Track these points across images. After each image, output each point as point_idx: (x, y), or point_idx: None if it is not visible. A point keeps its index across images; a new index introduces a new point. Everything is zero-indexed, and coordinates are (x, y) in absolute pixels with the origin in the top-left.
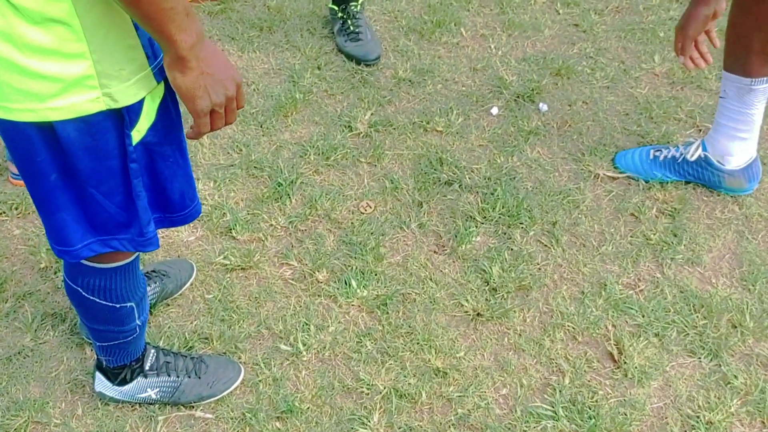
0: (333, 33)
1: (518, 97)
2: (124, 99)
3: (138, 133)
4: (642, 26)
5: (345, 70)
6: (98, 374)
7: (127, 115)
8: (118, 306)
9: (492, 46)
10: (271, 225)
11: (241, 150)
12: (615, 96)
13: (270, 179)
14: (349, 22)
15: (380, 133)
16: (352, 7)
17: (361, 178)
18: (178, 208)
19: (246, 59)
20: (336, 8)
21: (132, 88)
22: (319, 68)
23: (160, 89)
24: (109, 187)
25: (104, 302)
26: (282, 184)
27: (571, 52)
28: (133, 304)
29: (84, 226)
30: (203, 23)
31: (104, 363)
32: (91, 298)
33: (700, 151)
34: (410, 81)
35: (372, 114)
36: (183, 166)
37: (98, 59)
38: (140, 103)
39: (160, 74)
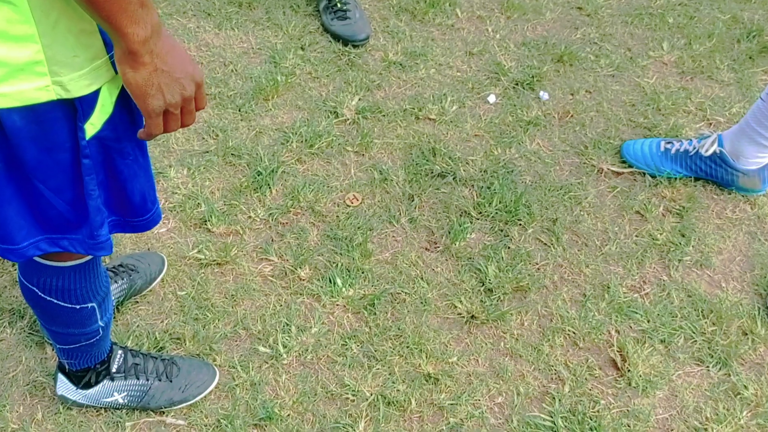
0: (318, 11)
1: (517, 84)
2: (77, 89)
3: (92, 127)
4: (650, 11)
5: (331, 52)
6: (60, 376)
7: (80, 106)
8: (78, 307)
9: (489, 29)
10: (250, 217)
11: (217, 135)
12: (620, 85)
13: (249, 168)
14: None
15: (368, 120)
16: None
17: (348, 168)
18: (139, 211)
19: (223, 37)
20: None
21: (86, 77)
22: (302, 48)
23: (119, 80)
24: (58, 183)
25: (63, 303)
26: (262, 173)
27: (574, 37)
28: (94, 304)
29: (30, 223)
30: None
31: (66, 366)
32: (48, 298)
33: (715, 146)
34: (401, 64)
35: (360, 99)
36: (144, 165)
37: (48, 44)
38: (95, 94)
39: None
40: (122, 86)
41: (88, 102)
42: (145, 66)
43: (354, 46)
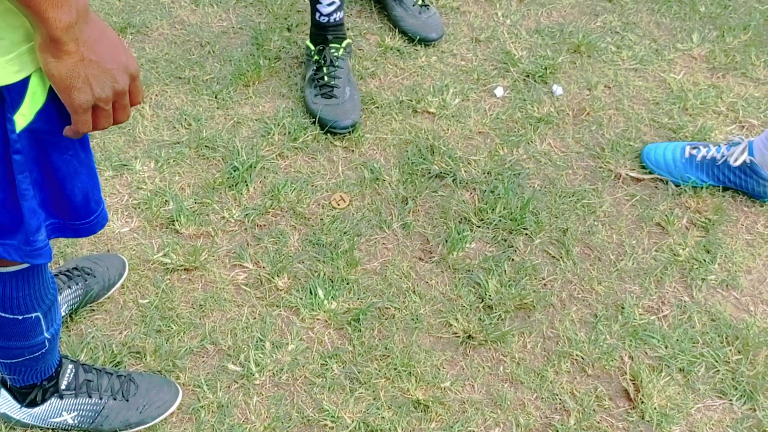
0: (304, 79)
1: (528, 76)
2: (3, 76)
3: (23, 118)
4: None
5: None
6: (2, 392)
7: (8, 95)
8: (21, 318)
9: (499, 14)
10: (223, 218)
11: (190, 125)
12: (644, 80)
13: (224, 162)
14: (325, 70)
15: (360, 111)
16: (332, 51)
17: (335, 165)
18: (81, 213)
19: (200, 14)
20: (312, 47)
21: (13, 63)
22: (288, 30)
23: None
24: None
25: (3, 314)
26: (238, 169)
27: (593, 25)
28: (39, 314)
29: None
30: None
31: (9, 382)
32: None
33: (745, 155)
34: (399, 51)
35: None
36: (86, 161)
37: None
38: (24, 82)
39: None
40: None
41: (17, 90)
42: (70, 55)
43: (333, 134)
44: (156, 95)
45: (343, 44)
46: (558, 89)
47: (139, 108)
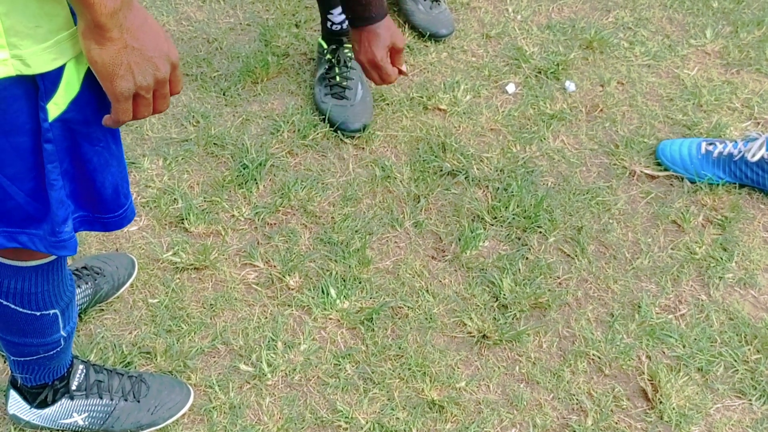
0: (313, 76)
1: (540, 72)
2: (39, 64)
3: (56, 107)
4: None
5: None
6: (12, 393)
7: (43, 84)
8: (38, 314)
9: (510, 9)
10: (233, 216)
11: (198, 122)
12: (657, 77)
13: (233, 159)
14: (337, 70)
15: (371, 114)
16: (346, 51)
17: (345, 163)
18: (111, 206)
19: (207, 11)
20: (325, 46)
21: (50, 51)
22: (297, 26)
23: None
24: (16, 170)
25: (21, 309)
26: (248, 167)
27: (605, 20)
28: (57, 311)
29: None
30: None
31: (20, 381)
32: (5, 303)
33: (763, 151)
34: (409, 47)
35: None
36: (117, 154)
37: (6, 11)
38: (59, 70)
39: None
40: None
41: (52, 79)
42: (114, 42)
43: (343, 135)
44: None
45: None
46: (571, 85)
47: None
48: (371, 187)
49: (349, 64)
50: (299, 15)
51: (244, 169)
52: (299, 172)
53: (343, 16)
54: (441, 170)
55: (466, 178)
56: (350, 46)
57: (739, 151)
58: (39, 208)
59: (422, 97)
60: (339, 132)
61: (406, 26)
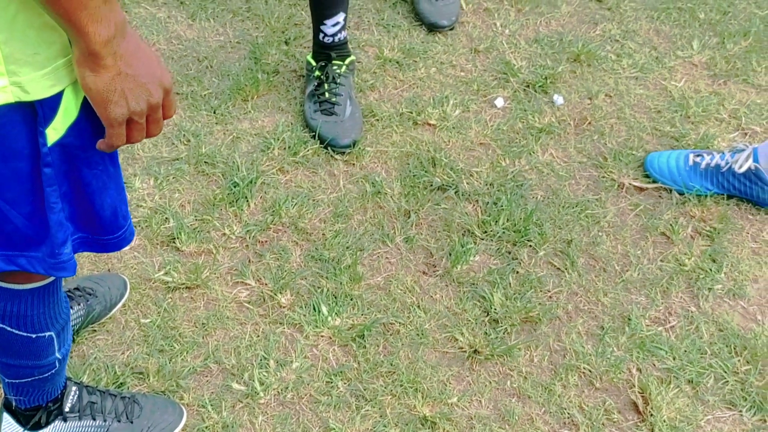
0: (303, 93)
1: (528, 86)
2: (38, 90)
3: (55, 132)
4: (678, 5)
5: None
6: (5, 415)
7: (41, 109)
8: (34, 336)
9: (498, 23)
10: (224, 234)
11: (189, 141)
12: (645, 89)
13: (224, 178)
14: (326, 86)
15: (360, 130)
16: (334, 68)
17: (336, 179)
18: (109, 228)
19: (197, 29)
20: (313, 63)
21: (48, 77)
22: (286, 43)
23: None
24: (15, 194)
25: (17, 331)
26: (238, 185)
27: (592, 33)
28: (52, 333)
29: None
30: None
31: (14, 403)
32: (1, 325)
33: (750, 162)
34: (398, 63)
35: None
36: (115, 176)
37: (5, 39)
38: (58, 96)
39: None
40: (84, 98)
41: (50, 105)
42: (108, 69)
43: (333, 151)
44: None
45: (347, 61)
46: (559, 99)
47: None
48: (362, 203)
49: (338, 81)
50: (288, 32)
51: (234, 187)
52: (290, 189)
53: (336, 28)
54: (431, 185)
55: (456, 192)
56: (339, 62)
57: (727, 163)
58: (38, 230)
59: (412, 113)
60: (329, 148)
61: (396, 42)
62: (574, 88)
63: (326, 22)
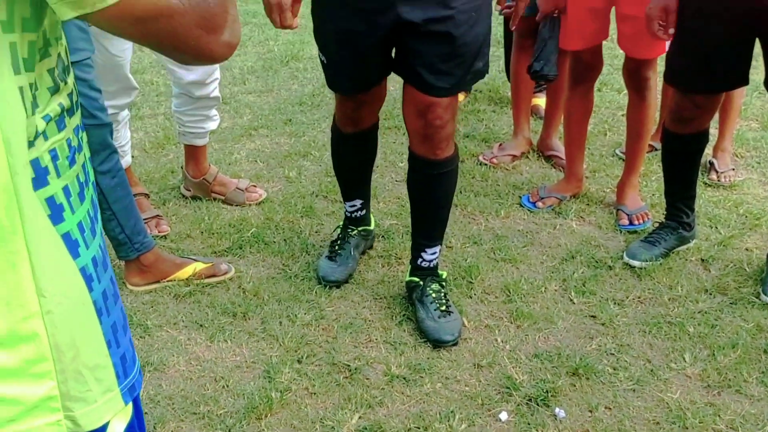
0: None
1: (530, 399)
2: (88, 423)
3: None
4: (668, 320)
5: (330, 365)
6: None
7: None
8: None
9: (498, 339)
10: None
11: None
12: (642, 401)
13: None
14: (339, 241)
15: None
16: (349, 230)
17: None
18: None
19: (215, 350)
20: (337, 230)
21: (97, 410)
22: (299, 361)
23: (128, 411)
24: None
25: None
26: None
27: (589, 347)
28: None
29: None
30: (167, 307)
31: None
32: None
33: None
34: (405, 378)
35: (360, 417)
36: None
37: (64, 380)
38: (104, 428)
39: (129, 395)
40: (130, 418)
41: None
42: None
43: (325, 286)
44: None
45: (359, 228)
46: (561, 412)
47: None
48: None
49: (348, 238)
50: (301, 351)
51: None
52: None
53: (353, 208)
54: None
55: None
56: (353, 227)
57: None
58: None
59: (419, 427)
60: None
61: (402, 359)
62: (574, 401)
63: (346, 203)
